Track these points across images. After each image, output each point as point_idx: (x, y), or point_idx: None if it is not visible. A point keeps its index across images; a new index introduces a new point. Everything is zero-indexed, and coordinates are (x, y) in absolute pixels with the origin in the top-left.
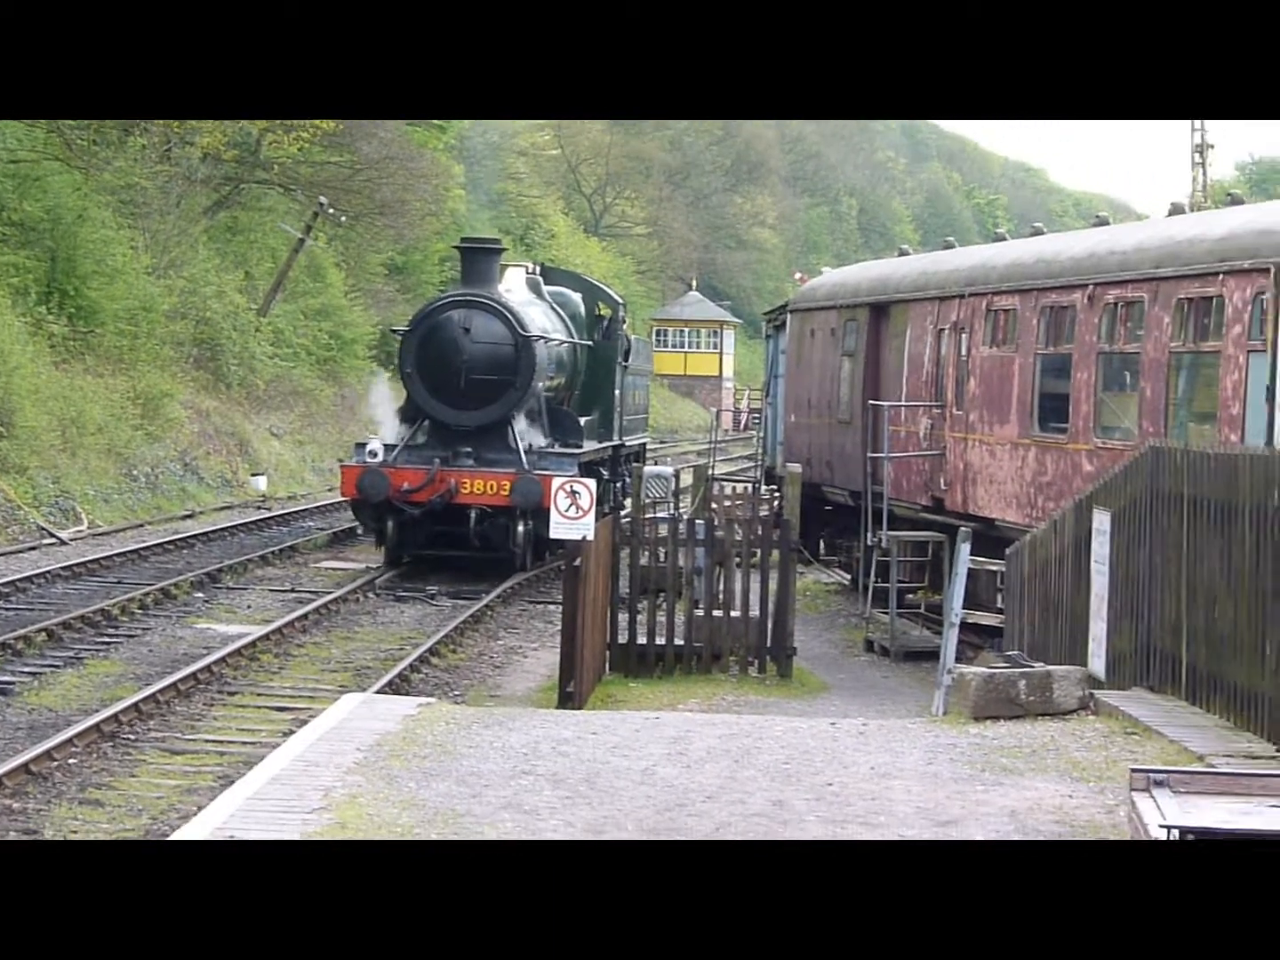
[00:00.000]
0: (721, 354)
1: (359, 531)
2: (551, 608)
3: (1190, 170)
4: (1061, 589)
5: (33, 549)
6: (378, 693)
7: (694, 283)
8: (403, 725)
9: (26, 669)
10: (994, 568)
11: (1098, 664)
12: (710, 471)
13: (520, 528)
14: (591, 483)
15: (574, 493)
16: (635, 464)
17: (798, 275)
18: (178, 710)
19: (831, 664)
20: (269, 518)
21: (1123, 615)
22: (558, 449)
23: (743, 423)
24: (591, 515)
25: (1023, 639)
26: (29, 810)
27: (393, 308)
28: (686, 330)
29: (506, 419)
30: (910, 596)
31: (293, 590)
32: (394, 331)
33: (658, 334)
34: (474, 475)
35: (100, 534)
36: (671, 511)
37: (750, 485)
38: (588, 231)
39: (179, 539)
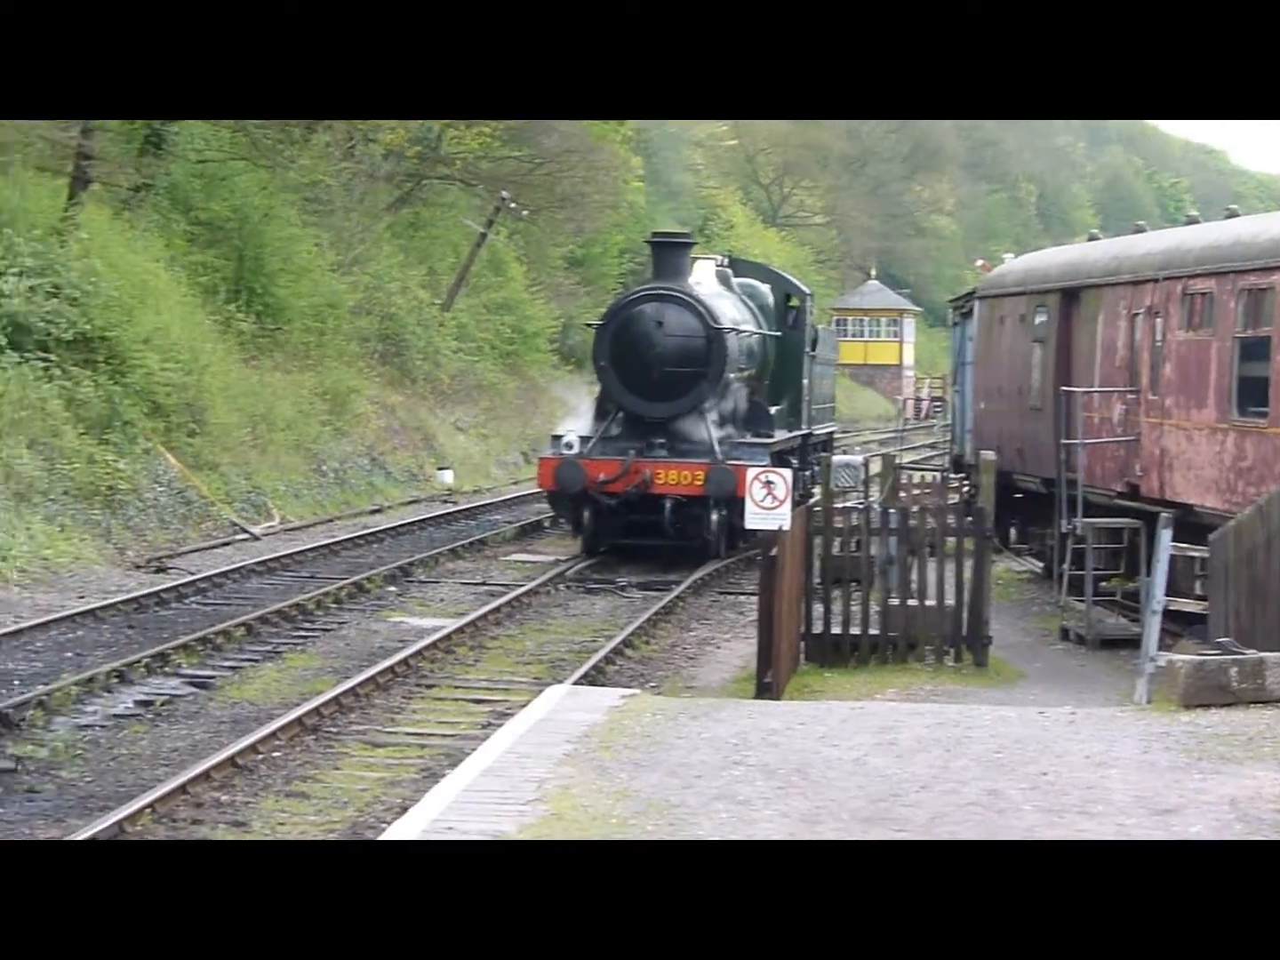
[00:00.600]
0: (902, 342)
1: (546, 525)
2: (742, 598)
3: None
4: (1270, 575)
5: (226, 544)
6: (577, 684)
7: (873, 271)
8: (609, 716)
9: (226, 663)
10: (1195, 554)
11: None
12: (898, 460)
13: (714, 516)
14: (787, 473)
15: (769, 483)
16: (823, 453)
17: (979, 262)
18: (377, 703)
19: (1027, 652)
20: (456, 511)
21: None
22: (749, 439)
23: (924, 411)
24: (788, 505)
25: (1228, 626)
26: (236, 803)
27: (574, 300)
28: (866, 319)
29: (699, 410)
30: (1105, 584)
31: (483, 583)
32: (589, 325)
33: (838, 323)
34: (668, 466)
35: (291, 529)
36: (861, 500)
37: (939, 473)
38: (766, 222)
39: (368, 534)
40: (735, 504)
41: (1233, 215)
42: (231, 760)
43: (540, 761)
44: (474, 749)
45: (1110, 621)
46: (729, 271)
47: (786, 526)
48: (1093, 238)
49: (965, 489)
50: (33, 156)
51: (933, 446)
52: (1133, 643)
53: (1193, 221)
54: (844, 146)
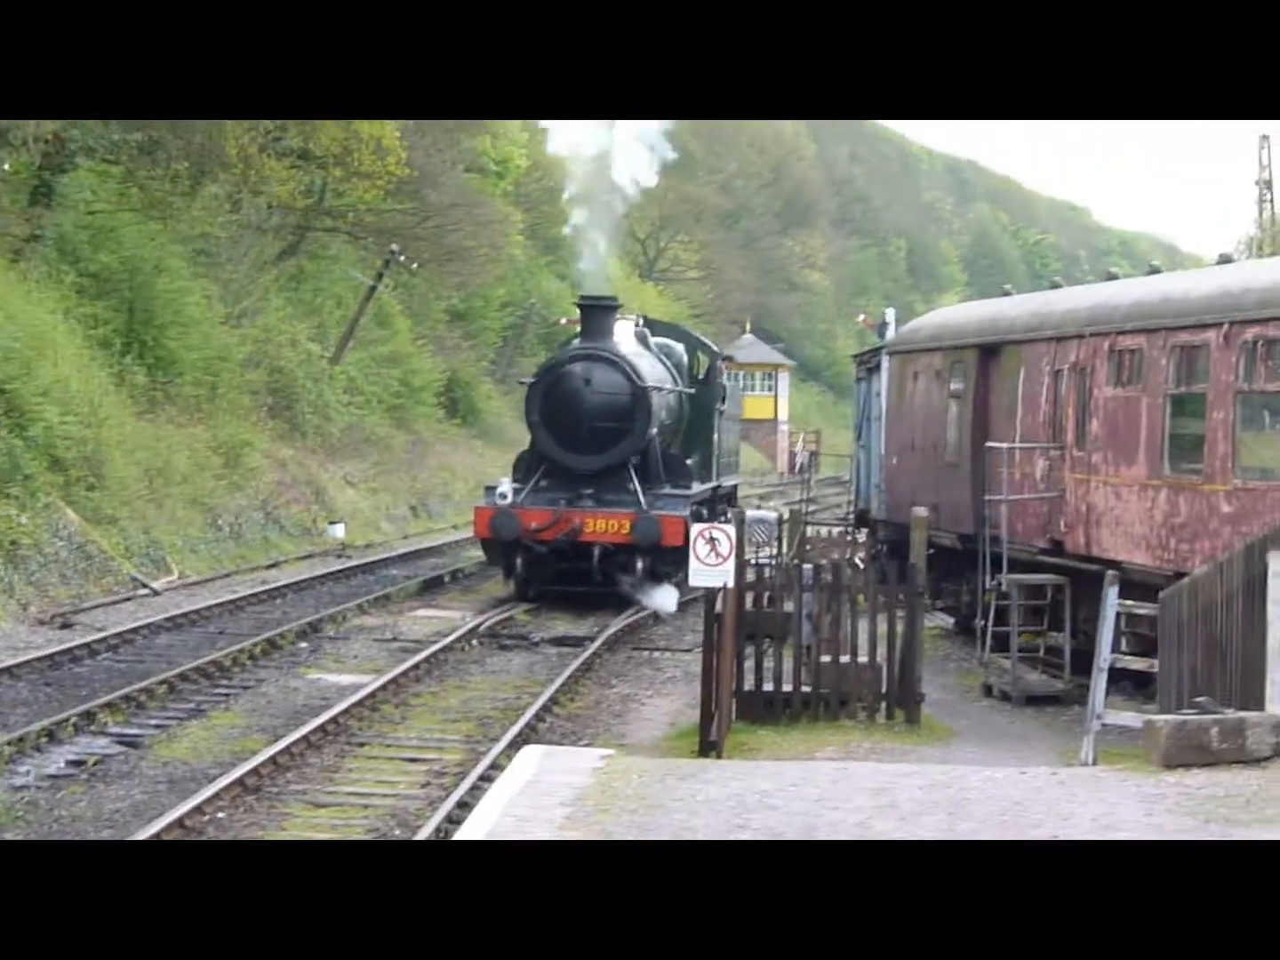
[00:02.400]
0: (776, 397)
1: (446, 580)
2: (656, 654)
3: (1257, 205)
4: (1230, 632)
5: (128, 599)
6: (511, 744)
7: (748, 326)
8: (595, 779)
9: (152, 721)
10: (1143, 611)
11: (1278, 708)
12: (805, 515)
13: (639, 563)
14: (731, 529)
15: (713, 539)
16: (733, 506)
17: (861, 318)
18: (311, 762)
19: (953, 709)
20: (352, 566)
21: None
22: (669, 490)
23: (796, 466)
24: (731, 562)
25: (1181, 684)
26: None
27: (457, 354)
28: (742, 374)
29: (624, 462)
30: (1025, 640)
31: (394, 639)
32: (520, 382)
33: None
34: (596, 515)
35: (191, 584)
36: (777, 556)
37: (844, 528)
38: (643, 276)
39: (269, 589)
40: (659, 551)
41: (1154, 272)
42: (179, 823)
43: (541, 825)
44: (418, 809)
45: (1033, 678)
46: (646, 331)
47: (730, 583)
48: (1005, 293)
49: (878, 545)
50: None
51: (810, 501)
52: (1057, 700)
53: (1113, 278)
54: (719, 200)
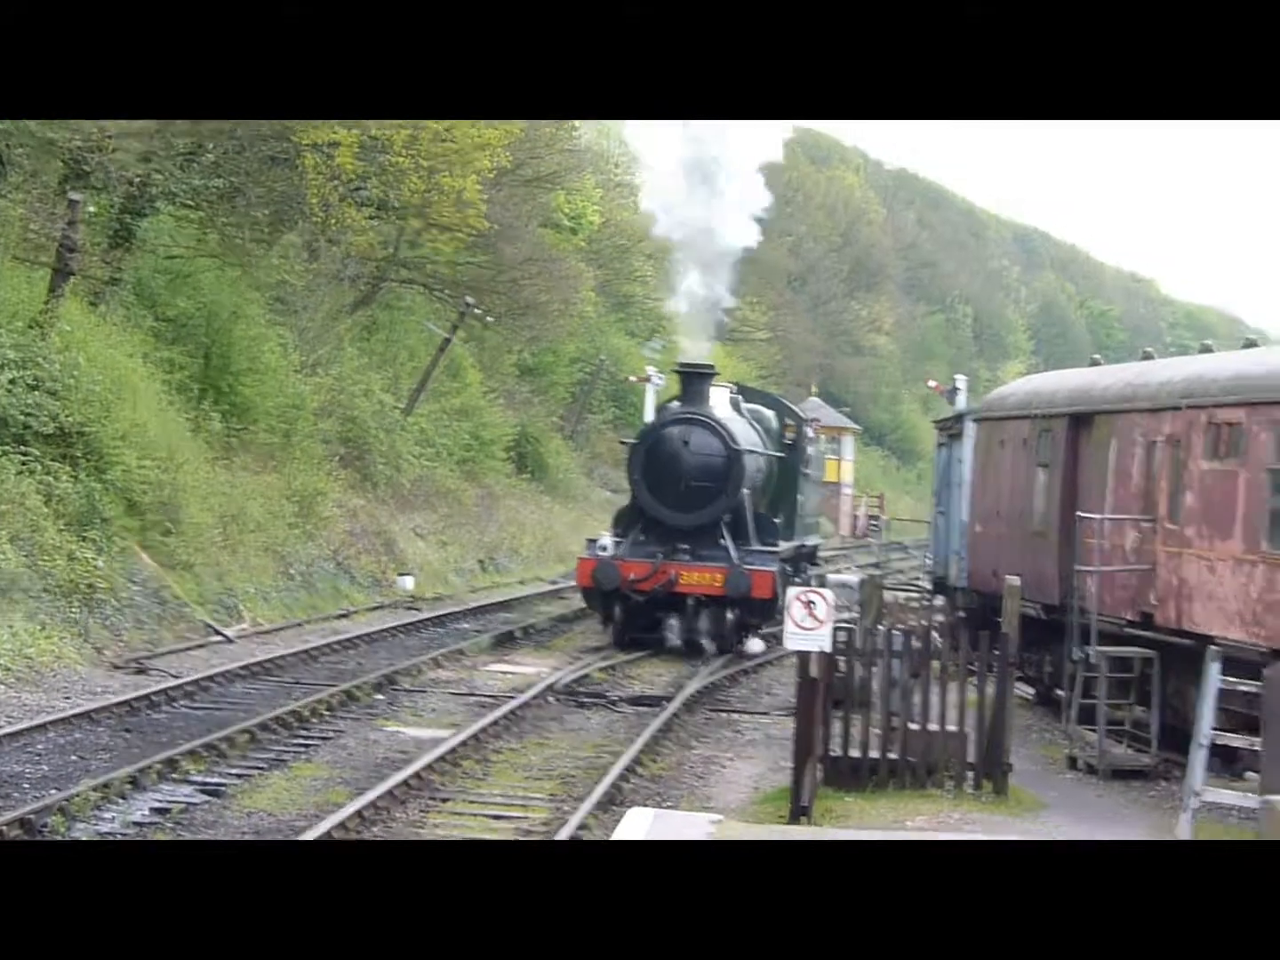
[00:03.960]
0: (841, 460)
1: (518, 635)
2: (735, 716)
3: None
4: None
5: (201, 646)
6: (597, 804)
7: (814, 388)
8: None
9: (233, 771)
10: (1246, 688)
11: None
12: (882, 582)
13: (729, 615)
14: (829, 593)
15: (809, 603)
16: (815, 565)
17: (932, 384)
18: (397, 817)
19: (1039, 780)
20: (423, 619)
21: None
22: (758, 546)
23: (860, 530)
24: (829, 626)
25: None
26: None
27: (527, 409)
28: (822, 438)
29: (718, 520)
30: (1113, 713)
31: (470, 694)
32: (623, 443)
33: None
34: (691, 568)
35: (264, 632)
36: (861, 622)
37: (923, 595)
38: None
39: (342, 639)
40: (747, 603)
41: (1251, 345)
42: None
43: None
44: None
45: (1119, 752)
46: (740, 398)
47: (827, 648)
48: (1094, 362)
49: (955, 612)
50: (11, 245)
51: (875, 566)
52: (1143, 774)
53: (1208, 350)
54: (788, 263)
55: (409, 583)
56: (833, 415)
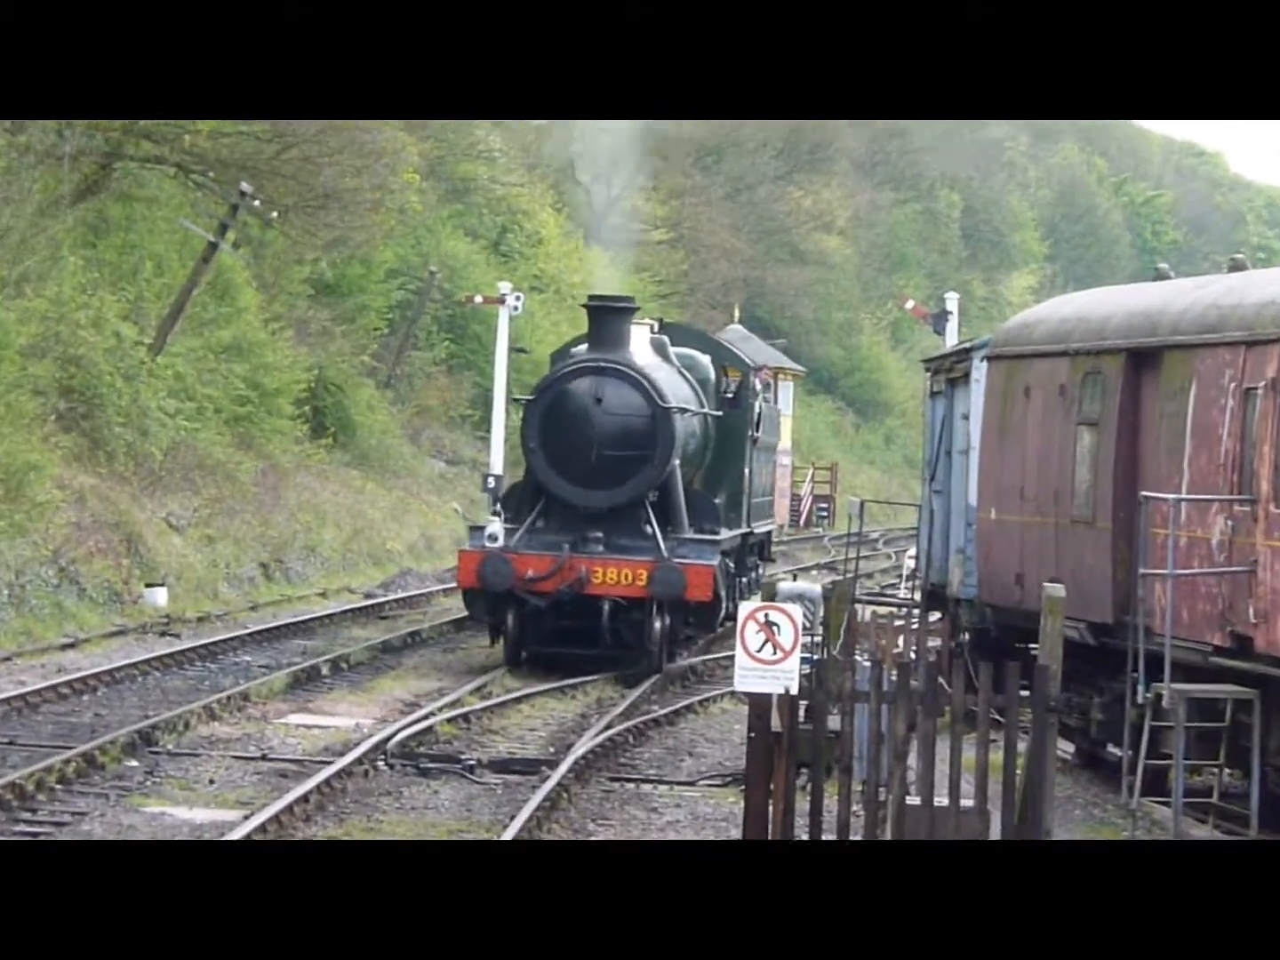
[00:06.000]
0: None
1: (324, 671)
2: (646, 788)
3: None
4: None
5: None
6: None
7: (736, 313)
8: None
9: None
10: None
11: None
12: (854, 592)
13: (657, 624)
14: (796, 610)
15: (770, 624)
16: (766, 560)
17: (909, 305)
18: None
19: None
20: (186, 649)
21: None
22: (694, 535)
23: (803, 517)
24: (795, 658)
25: None
26: None
27: (327, 344)
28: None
29: (641, 500)
30: (1193, 778)
31: (263, 757)
32: (515, 400)
33: None
34: (607, 563)
35: None
36: (826, 648)
37: (904, 609)
38: (588, 237)
39: (72, 679)
40: (679, 608)
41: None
42: None
43: None
44: None
45: (1202, 834)
46: (665, 339)
47: (794, 688)
48: (1160, 275)
49: (959, 636)
50: None
51: (830, 568)
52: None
53: (1236, 265)
54: (696, 131)
55: (161, 597)
56: (763, 350)
